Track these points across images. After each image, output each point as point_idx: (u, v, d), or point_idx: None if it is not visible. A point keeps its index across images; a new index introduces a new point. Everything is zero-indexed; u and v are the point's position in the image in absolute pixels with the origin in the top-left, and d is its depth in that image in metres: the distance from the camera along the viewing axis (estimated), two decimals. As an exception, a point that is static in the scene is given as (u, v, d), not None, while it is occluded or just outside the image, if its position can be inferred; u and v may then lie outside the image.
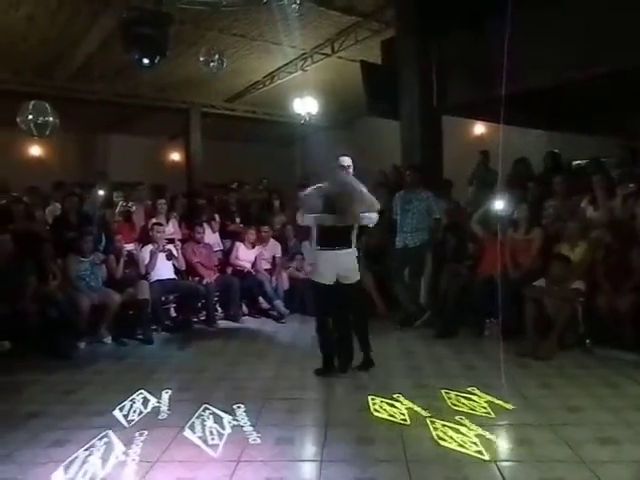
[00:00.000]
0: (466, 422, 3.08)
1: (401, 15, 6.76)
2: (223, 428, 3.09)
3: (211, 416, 3.27)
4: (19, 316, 4.75)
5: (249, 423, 3.13)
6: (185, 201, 7.34)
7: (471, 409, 3.29)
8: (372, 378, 3.97)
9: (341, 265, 3.99)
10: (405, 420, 3.15)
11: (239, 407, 3.38)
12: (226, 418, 3.22)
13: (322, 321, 4.07)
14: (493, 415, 3.18)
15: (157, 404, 3.53)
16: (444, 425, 3.04)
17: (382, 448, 2.81)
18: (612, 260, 4.68)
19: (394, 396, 3.50)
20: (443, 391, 3.59)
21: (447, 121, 6.87)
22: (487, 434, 2.91)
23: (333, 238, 3.97)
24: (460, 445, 2.79)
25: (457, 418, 3.14)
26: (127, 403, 3.54)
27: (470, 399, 3.44)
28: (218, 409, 3.38)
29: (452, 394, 3.53)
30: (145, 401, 3.60)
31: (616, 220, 4.97)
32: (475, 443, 2.80)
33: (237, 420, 3.19)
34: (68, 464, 2.71)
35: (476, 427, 3.00)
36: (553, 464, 2.58)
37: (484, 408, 3.29)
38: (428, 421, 3.10)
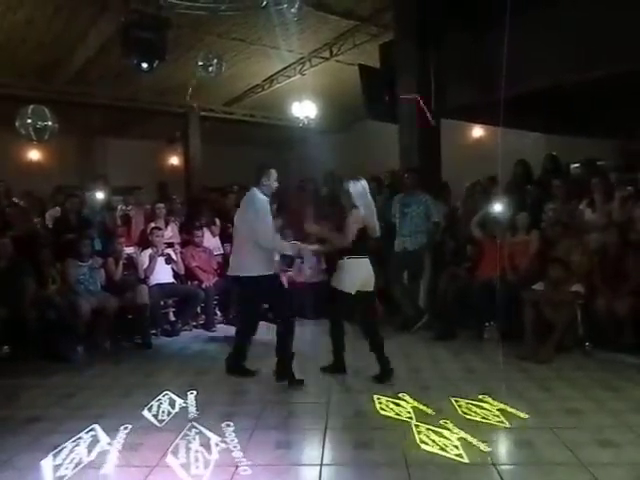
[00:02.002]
0: (450, 425, 3.07)
1: (399, 19, 6.78)
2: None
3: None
4: (18, 320, 4.75)
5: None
6: (183, 207, 7.41)
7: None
8: (371, 381, 3.97)
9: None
10: (411, 418, 3.18)
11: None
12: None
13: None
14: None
15: (157, 408, 3.53)
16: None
17: (382, 452, 2.80)
18: (610, 263, 4.69)
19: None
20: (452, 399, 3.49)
21: (445, 124, 6.88)
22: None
23: None
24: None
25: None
26: (131, 408, 3.54)
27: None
28: (217, 413, 3.38)
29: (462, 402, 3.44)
30: (156, 405, 3.59)
31: (614, 223, 4.98)
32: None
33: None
34: (67, 470, 2.71)
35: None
36: (553, 467, 2.58)
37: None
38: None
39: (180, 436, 3.05)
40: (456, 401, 3.45)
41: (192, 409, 3.49)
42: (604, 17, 5.15)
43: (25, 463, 2.78)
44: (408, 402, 3.47)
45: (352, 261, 4.01)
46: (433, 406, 3.37)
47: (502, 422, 3.11)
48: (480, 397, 3.50)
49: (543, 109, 6.71)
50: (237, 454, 2.80)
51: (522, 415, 3.20)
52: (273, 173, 4.32)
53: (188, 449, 2.89)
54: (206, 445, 2.93)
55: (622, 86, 5.72)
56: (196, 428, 3.16)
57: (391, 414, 3.29)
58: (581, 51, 5.29)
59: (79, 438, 3.04)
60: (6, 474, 2.67)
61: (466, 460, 2.66)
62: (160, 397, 3.72)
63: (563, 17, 5.42)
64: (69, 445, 2.96)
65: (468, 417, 3.21)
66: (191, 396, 3.73)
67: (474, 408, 3.33)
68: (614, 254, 4.70)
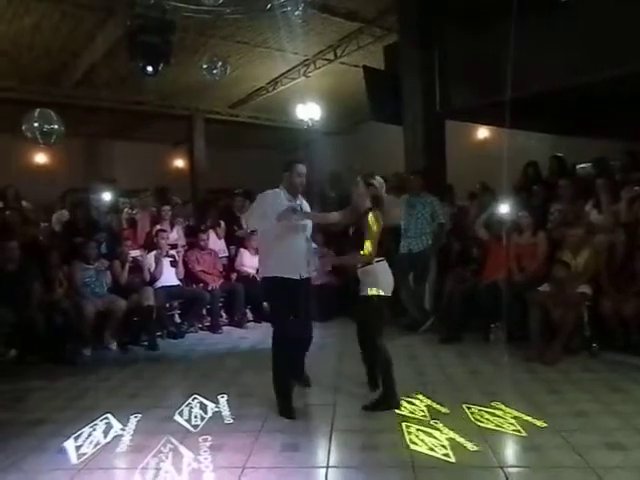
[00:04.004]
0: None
1: (403, 20, 6.77)
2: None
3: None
4: (26, 324, 4.77)
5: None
6: (191, 209, 7.44)
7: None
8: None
9: None
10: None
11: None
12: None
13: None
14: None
15: (164, 412, 3.53)
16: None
17: (388, 454, 2.80)
18: (617, 264, 4.65)
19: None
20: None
21: (450, 125, 6.87)
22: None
23: None
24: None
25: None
26: (133, 411, 3.55)
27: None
28: (223, 416, 3.38)
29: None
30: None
31: (621, 224, 4.95)
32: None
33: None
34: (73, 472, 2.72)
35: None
36: (561, 470, 2.57)
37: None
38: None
39: (184, 439, 3.06)
40: (468, 408, 3.38)
41: (198, 413, 3.49)
42: (610, 19, 5.12)
43: (31, 465, 2.79)
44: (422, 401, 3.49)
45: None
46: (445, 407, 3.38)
47: (514, 427, 3.04)
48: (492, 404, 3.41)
49: (548, 110, 6.67)
50: (243, 457, 2.80)
51: (538, 424, 3.08)
52: (296, 168, 3.59)
53: (191, 453, 2.88)
54: (210, 448, 2.92)
55: (627, 87, 5.68)
56: (201, 431, 3.16)
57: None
58: (586, 52, 5.26)
59: (82, 443, 3.05)
60: (12, 476, 2.68)
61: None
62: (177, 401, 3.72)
63: (568, 19, 5.39)
64: (72, 445, 2.99)
65: (479, 423, 3.15)
66: (197, 399, 3.73)
67: (485, 415, 3.25)
68: (621, 255, 4.66)
